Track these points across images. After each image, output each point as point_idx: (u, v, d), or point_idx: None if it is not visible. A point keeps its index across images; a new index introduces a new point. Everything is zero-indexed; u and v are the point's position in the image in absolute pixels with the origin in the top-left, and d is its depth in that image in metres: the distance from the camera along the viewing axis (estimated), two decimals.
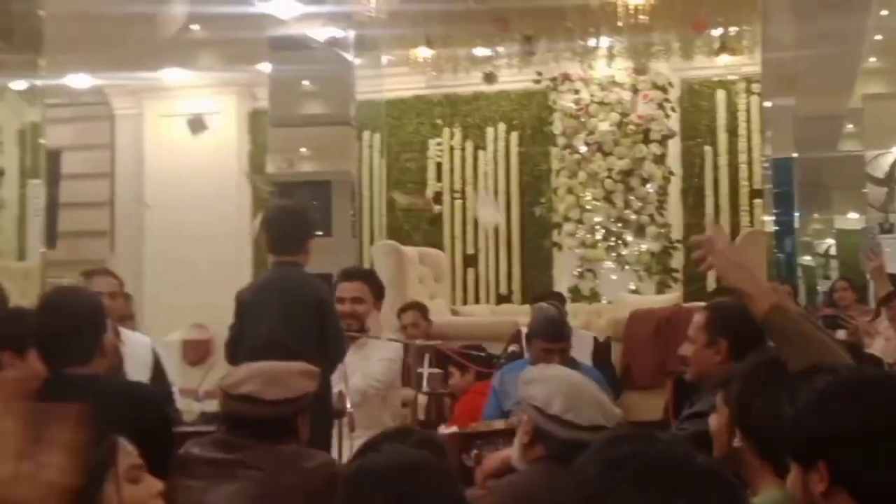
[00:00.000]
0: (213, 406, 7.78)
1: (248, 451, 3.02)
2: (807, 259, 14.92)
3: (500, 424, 4.23)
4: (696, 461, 1.38)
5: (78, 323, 3.24)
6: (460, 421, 4.90)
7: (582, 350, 6.31)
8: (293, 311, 4.58)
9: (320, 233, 9.67)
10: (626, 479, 1.33)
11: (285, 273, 4.71)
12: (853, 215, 13.72)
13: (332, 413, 4.53)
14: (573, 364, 4.81)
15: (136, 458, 2.16)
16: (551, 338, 4.70)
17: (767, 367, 2.42)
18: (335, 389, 4.61)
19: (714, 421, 2.56)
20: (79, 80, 10.91)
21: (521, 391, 3.01)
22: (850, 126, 13.09)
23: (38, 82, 7.83)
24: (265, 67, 9.89)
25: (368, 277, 5.79)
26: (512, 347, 5.92)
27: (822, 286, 14.20)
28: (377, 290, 5.65)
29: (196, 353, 10.63)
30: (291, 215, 4.86)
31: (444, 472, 1.91)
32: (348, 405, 4.56)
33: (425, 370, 5.75)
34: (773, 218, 8.22)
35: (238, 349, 4.64)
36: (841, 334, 6.97)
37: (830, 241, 14.86)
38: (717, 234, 2.52)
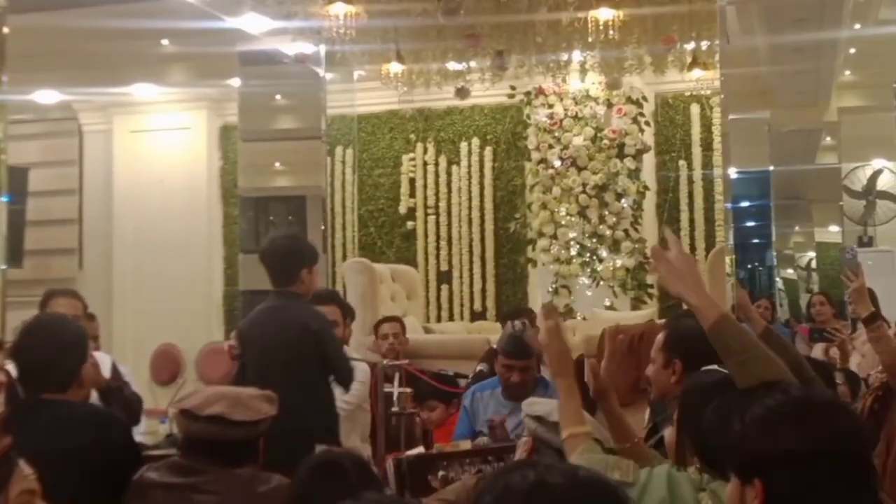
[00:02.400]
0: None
1: (205, 475, 3.02)
2: (789, 272, 14.94)
3: (466, 445, 4.18)
4: (579, 475, 1.44)
5: (59, 351, 3.29)
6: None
7: None
8: (292, 344, 4.70)
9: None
10: None
11: (280, 303, 4.81)
12: (833, 228, 13.75)
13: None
14: (543, 383, 4.74)
15: (33, 482, 2.11)
16: (511, 354, 4.67)
17: (718, 382, 2.47)
18: None
19: (668, 434, 2.69)
20: (46, 96, 10.77)
21: (525, 410, 3.19)
22: (828, 139, 13.12)
23: None
24: (235, 83, 9.80)
25: (338, 299, 6.02)
26: (480, 366, 5.85)
27: (804, 300, 14.21)
28: (348, 312, 5.89)
29: (165, 372, 10.59)
30: (281, 249, 4.93)
31: None
32: None
33: (395, 389, 5.68)
34: (731, 231, 8.24)
35: (243, 381, 4.66)
36: (818, 348, 6.95)
37: (811, 255, 14.89)
38: (671, 243, 2.48)
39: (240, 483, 2.99)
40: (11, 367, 3.41)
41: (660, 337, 3.44)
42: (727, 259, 7.66)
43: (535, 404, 3.21)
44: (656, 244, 2.50)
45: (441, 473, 3.97)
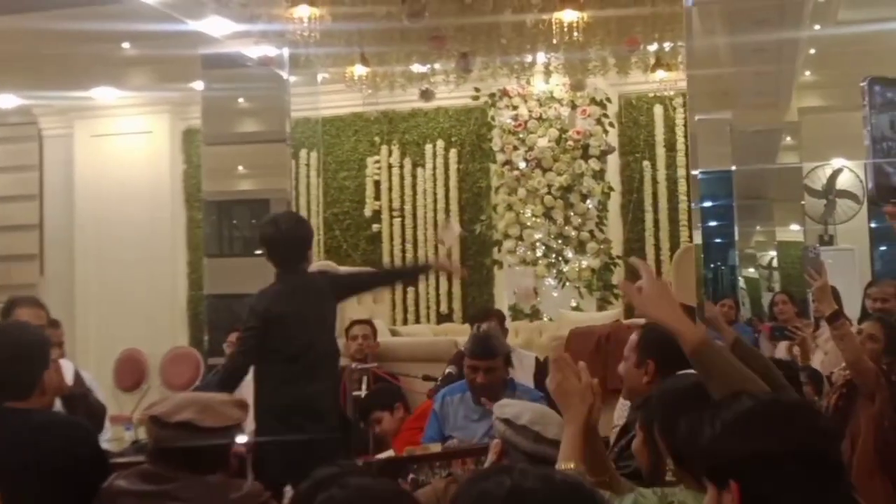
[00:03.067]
0: (143, 433, 7.63)
1: (175, 482, 2.98)
2: (751, 271, 15.06)
3: (436, 448, 4.18)
4: (554, 479, 1.45)
5: (20, 358, 3.22)
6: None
7: (524, 370, 6.22)
8: (326, 317, 4.89)
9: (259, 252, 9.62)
10: None
11: (304, 281, 4.88)
12: (794, 227, 13.88)
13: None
14: (512, 384, 4.74)
15: None
16: (475, 355, 4.65)
17: (691, 388, 2.48)
18: None
19: (636, 441, 2.70)
20: (5, 100, 10.64)
21: (496, 413, 3.14)
22: (788, 139, 13.22)
23: None
24: (198, 86, 9.72)
25: None
26: (448, 369, 5.83)
27: (766, 298, 14.33)
28: None
29: (129, 378, 10.49)
30: (298, 228, 4.98)
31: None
32: None
33: (363, 392, 5.67)
34: (699, 231, 8.28)
35: (254, 358, 4.71)
36: (782, 346, 7.00)
37: (773, 254, 15.02)
38: (641, 271, 2.50)
39: (211, 490, 2.96)
40: None
41: (634, 336, 3.48)
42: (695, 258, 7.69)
43: (506, 406, 3.18)
44: (625, 280, 2.51)
45: (411, 476, 3.96)
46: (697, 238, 8.01)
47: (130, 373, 10.46)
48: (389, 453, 4.90)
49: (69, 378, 4.34)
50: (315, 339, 4.72)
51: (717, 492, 1.76)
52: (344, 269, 5.23)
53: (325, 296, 4.87)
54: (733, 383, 2.26)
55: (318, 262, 9.85)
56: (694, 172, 8.46)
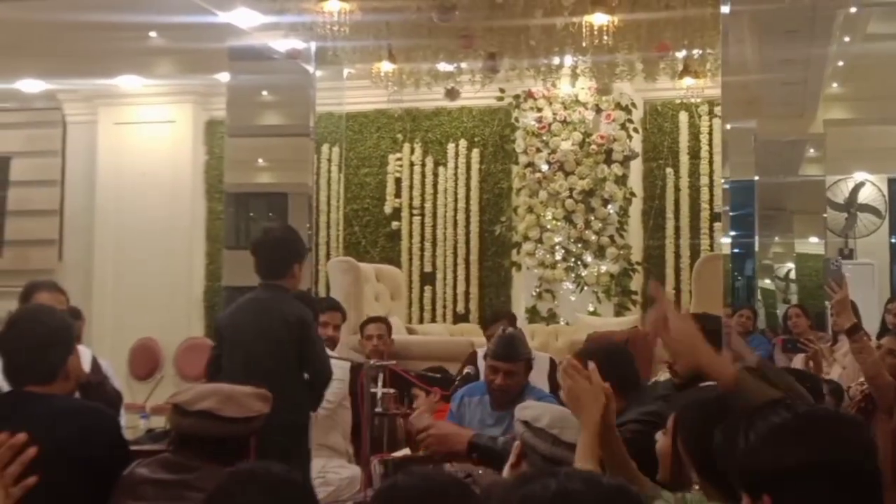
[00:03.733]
0: (159, 423, 7.64)
1: (196, 472, 2.98)
2: (766, 283, 15.00)
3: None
4: (601, 482, 1.42)
5: (45, 343, 3.21)
6: None
7: (538, 371, 6.19)
8: (270, 334, 4.60)
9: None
10: None
11: (265, 295, 4.73)
12: (813, 239, 13.84)
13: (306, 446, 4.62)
14: (528, 389, 4.69)
15: None
16: (497, 356, 4.57)
17: (715, 401, 2.49)
18: None
19: (660, 442, 2.69)
20: (30, 85, 10.65)
21: (516, 415, 3.13)
22: (812, 151, 13.16)
23: None
24: (223, 77, 9.72)
25: (340, 306, 6.37)
26: (467, 369, 5.81)
27: (781, 310, 14.27)
28: (344, 316, 6.28)
29: (144, 367, 10.50)
30: (276, 240, 4.85)
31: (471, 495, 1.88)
32: None
33: (379, 390, 5.64)
34: (730, 241, 8.22)
35: (217, 372, 4.63)
36: (799, 358, 6.95)
37: (790, 266, 14.96)
38: (659, 301, 2.49)
39: None
40: None
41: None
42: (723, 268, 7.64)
43: (527, 408, 3.16)
44: (653, 318, 2.49)
45: None
46: (726, 248, 7.96)
47: (145, 361, 10.48)
48: (405, 452, 4.90)
49: (87, 365, 4.33)
50: (258, 364, 4.49)
51: (752, 501, 1.73)
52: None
53: (285, 325, 4.63)
54: None
55: (337, 258, 9.87)
56: (723, 181, 8.41)
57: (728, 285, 7.93)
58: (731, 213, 11.40)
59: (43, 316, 3.43)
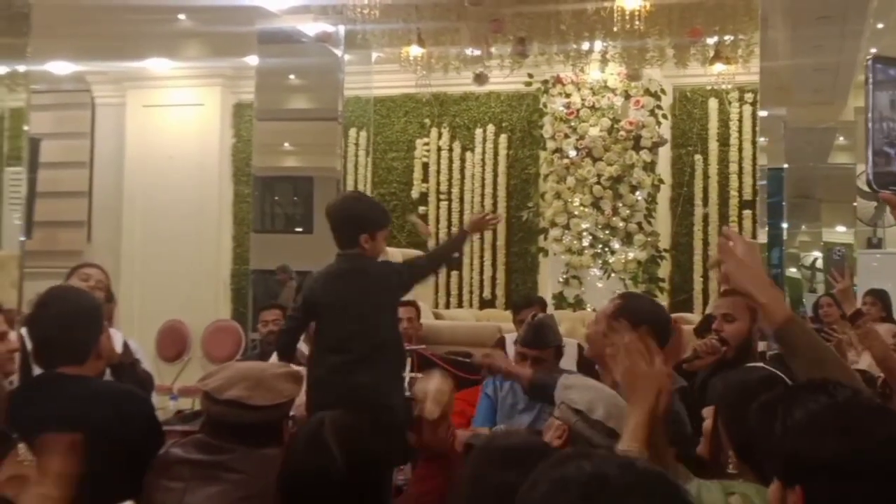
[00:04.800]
0: (187, 404, 7.67)
1: (231, 453, 2.95)
2: (792, 271, 14.91)
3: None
4: (637, 466, 1.38)
5: (75, 323, 3.19)
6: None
7: (567, 357, 6.17)
8: (368, 298, 4.48)
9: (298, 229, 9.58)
10: (572, 498, 1.34)
11: (348, 264, 4.55)
12: (840, 228, 13.73)
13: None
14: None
15: (28, 468, 2.09)
16: (526, 343, 4.55)
17: (759, 382, 2.48)
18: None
19: (706, 424, 2.65)
20: (60, 67, 10.69)
21: (561, 395, 3.02)
22: (842, 139, 13.04)
23: (22, 68, 7.63)
24: (251, 60, 9.72)
25: (413, 302, 6.81)
26: None
27: (807, 298, 14.17)
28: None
29: (171, 349, 10.55)
30: (343, 210, 4.65)
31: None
32: None
33: (407, 374, 5.63)
34: (766, 229, 8.13)
35: (291, 343, 4.59)
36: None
37: (817, 254, 14.86)
38: (734, 238, 2.40)
39: (267, 463, 2.93)
40: (26, 339, 3.35)
41: (611, 307, 3.52)
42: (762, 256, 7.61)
43: (571, 388, 3.02)
44: (722, 238, 2.40)
45: None
46: (763, 237, 7.89)
47: (172, 343, 10.53)
48: None
49: (118, 348, 4.34)
50: (363, 328, 4.40)
51: (783, 488, 1.70)
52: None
53: (381, 283, 4.51)
54: (819, 363, 2.18)
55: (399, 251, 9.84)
56: (762, 168, 8.33)
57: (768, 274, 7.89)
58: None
59: (74, 295, 3.44)
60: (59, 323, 3.20)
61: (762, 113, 7.21)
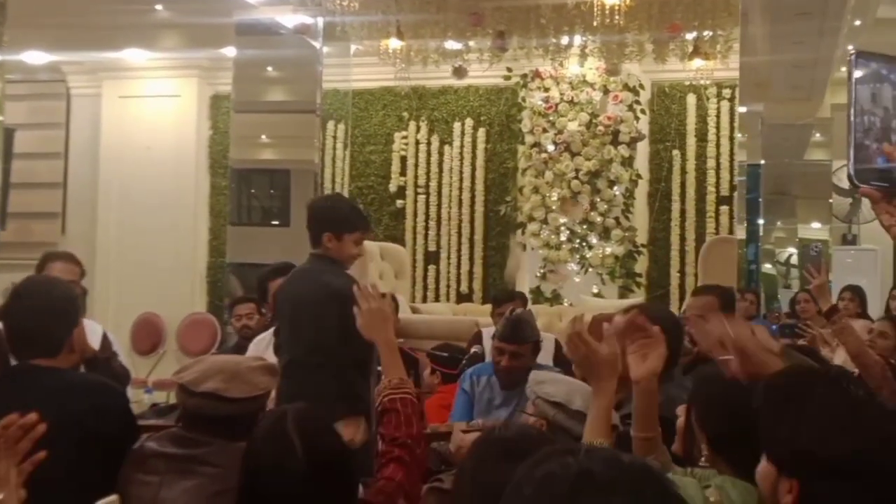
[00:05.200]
0: (162, 397, 7.62)
1: (206, 447, 2.92)
2: (768, 267, 14.97)
3: (444, 428, 4.13)
4: (622, 461, 1.37)
5: (50, 315, 3.16)
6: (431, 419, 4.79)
7: (544, 352, 6.17)
8: (307, 308, 4.40)
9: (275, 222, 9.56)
10: (559, 495, 1.32)
11: (309, 265, 4.57)
12: (816, 224, 13.80)
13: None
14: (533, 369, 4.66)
15: None
16: (504, 338, 4.55)
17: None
18: None
19: (680, 420, 2.65)
20: (35, 57, 10.58)
21: (535, 390, 3.03)
22: (818, 135, 13.11)
23: None
24: (229, 52, 9.65)
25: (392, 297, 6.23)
26: (474, 349, 5.79)
27: (783, 294, 14.24)
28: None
29: (146, 342, 10.48)
30: (311, 209, 4.68)
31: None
32: None
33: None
34: (744, 226, 8.16)
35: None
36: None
37: (792, 251, 14.94)
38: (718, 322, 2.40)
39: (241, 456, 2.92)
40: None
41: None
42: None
43: (544, 383, 3.05)
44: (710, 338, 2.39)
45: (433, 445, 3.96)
46: (740, 233, 7.91)
47: (147, 336, 10.46)
48: None
49: (97, 341, 4.29)
50: (297, 335, 4.39)
51: (777, 473, 1.72)
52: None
53: (323, 295, 4.34)
54: None
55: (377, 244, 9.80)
56: (740, 164, 8.35)
57: (743, 269, 7.91)
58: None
59: (47, 287, 3.38)
60: (32, 314, 3.16)
61: (741, 109, 7.21)
